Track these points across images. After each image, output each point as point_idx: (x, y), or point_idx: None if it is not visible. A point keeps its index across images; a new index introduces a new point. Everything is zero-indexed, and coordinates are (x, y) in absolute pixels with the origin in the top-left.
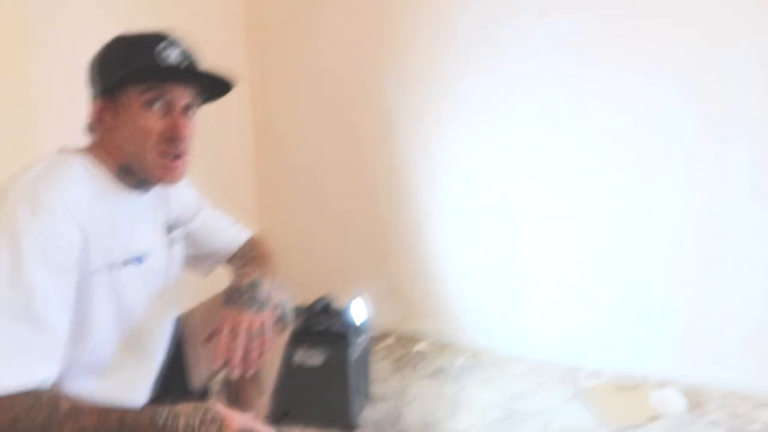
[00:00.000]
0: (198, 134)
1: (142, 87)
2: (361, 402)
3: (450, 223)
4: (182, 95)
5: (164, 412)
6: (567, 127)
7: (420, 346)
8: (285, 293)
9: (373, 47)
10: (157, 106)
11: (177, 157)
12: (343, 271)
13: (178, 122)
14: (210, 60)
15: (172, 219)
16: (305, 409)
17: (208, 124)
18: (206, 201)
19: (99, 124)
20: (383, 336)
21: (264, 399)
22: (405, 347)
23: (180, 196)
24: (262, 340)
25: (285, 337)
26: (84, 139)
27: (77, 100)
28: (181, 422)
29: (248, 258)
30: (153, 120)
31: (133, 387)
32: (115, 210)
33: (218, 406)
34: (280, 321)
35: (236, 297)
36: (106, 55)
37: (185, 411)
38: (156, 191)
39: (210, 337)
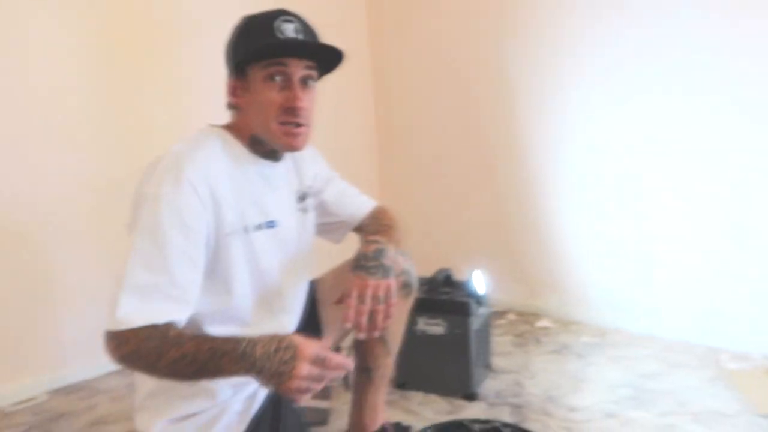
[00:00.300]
0: (325, 117)
1: (263, 63)
2: (482, 373)
3: (575, 196)
4: (299, 68)
5: (245, 340)
6: (705, 90)
7: (543, 323)
8: (410, 261)
9: (491, 18)
10: (277, 79)
11: (298, 125)
12: (464, 246)
13: (297, 94)
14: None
15: (304, 188)
16: (427, 377)
17: (334, 108)
18: (335, 173)
19: (233, 100)
20: (505, 312)
21: (390, 360)
22: (527, 323)
23: (312, 167)
24: (387, 305)
25: (410, 302)
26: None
27: (221, 85)
28: (258, 349)
29: (375, 227)
30: (274, 93)
31: None
32: (249, 178)
33: (293, 336)
34: (406, 287)
35: (364, 263)
36: (233, 37)
37: (263, 340)
38: (288, 162)
39: (340, 300)
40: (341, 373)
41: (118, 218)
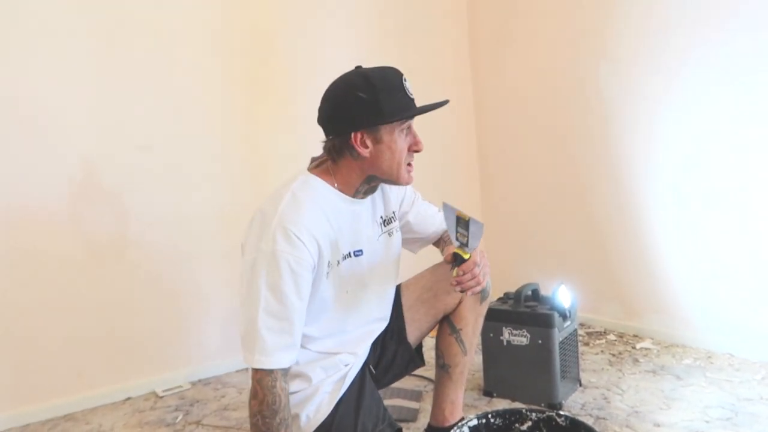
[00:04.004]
0: (437, 143)
1: (401, 120)
2: (569, 386)
3: (675, 214)
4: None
5: None
6: None
7: (644, 344)
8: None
9: (583, 42)
10: (406, 130)
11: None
12: (560, 264)
13: (418, 139)
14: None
15: (389, 214)
16: (513, 386)
17: (444, 137)
18: (419, 194)
19: (362, 151)
20: (605, 332)
21: (467, 359)
22: (627, 344)
23: (398, 194)
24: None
25: (485, 308)
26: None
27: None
28: None
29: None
30: (405, 142)
31: (364, 338)
32: (343, 216)
33: None
34: (481, 293)
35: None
36: (365, 94)
37: None
38: (376, 194)
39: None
40: None
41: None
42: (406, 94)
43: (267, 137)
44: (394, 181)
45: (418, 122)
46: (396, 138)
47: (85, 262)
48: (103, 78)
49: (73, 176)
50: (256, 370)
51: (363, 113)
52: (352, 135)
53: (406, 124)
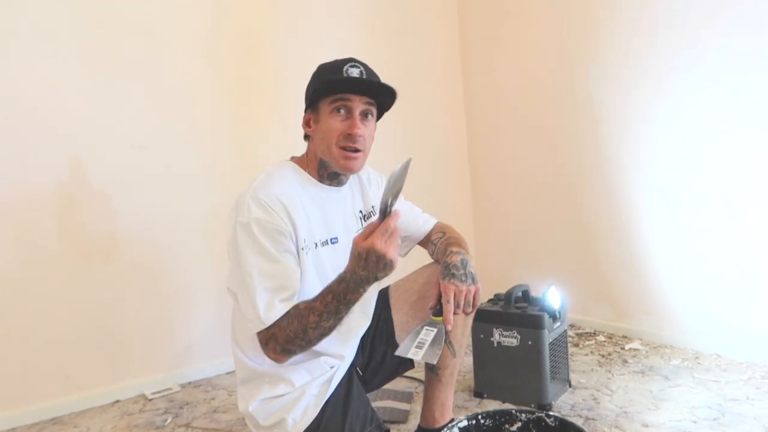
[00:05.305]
0: (426, 144)
1: (330, 98)
2: (559, 387)
3: (664, 217)
4: (359, 103)
5: (347, 275)
6: None
7: (633, 345)
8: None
9: (573, 46)
10: (341, 111)
11: (355, 150)
12: (551, 266)
13: (355, 123)
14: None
15: (368, 209)
16: (503, 387)
17: (434, 139)
18: (401, 195)
19: (307, 130)
20: (594, 333)
21: (456, 361)
22: (616, 345)
23: (379, 192)
24: (474, 306)
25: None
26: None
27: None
28: (360, 271)
29: (445, 240)
30: (337, 122)
31: (346, 337)
32: (315, 201)
33: (361, 244)
34: None
35: (454, 272)
36: (311, 79)
37: (354, 266)
38: (354, 186)
39: (434, 306)
40: (397, 220)
41: None
42: (343, 74)
43: (257, 137)
44: (333, 164)
45: (409, 122)
46: (327, 116)
47: (73, 262)
48: (94, 78)
49: (63, 176)
50: (260, 334)
51: (305, 97)
52: (304, 117)
53: (336, 104)
